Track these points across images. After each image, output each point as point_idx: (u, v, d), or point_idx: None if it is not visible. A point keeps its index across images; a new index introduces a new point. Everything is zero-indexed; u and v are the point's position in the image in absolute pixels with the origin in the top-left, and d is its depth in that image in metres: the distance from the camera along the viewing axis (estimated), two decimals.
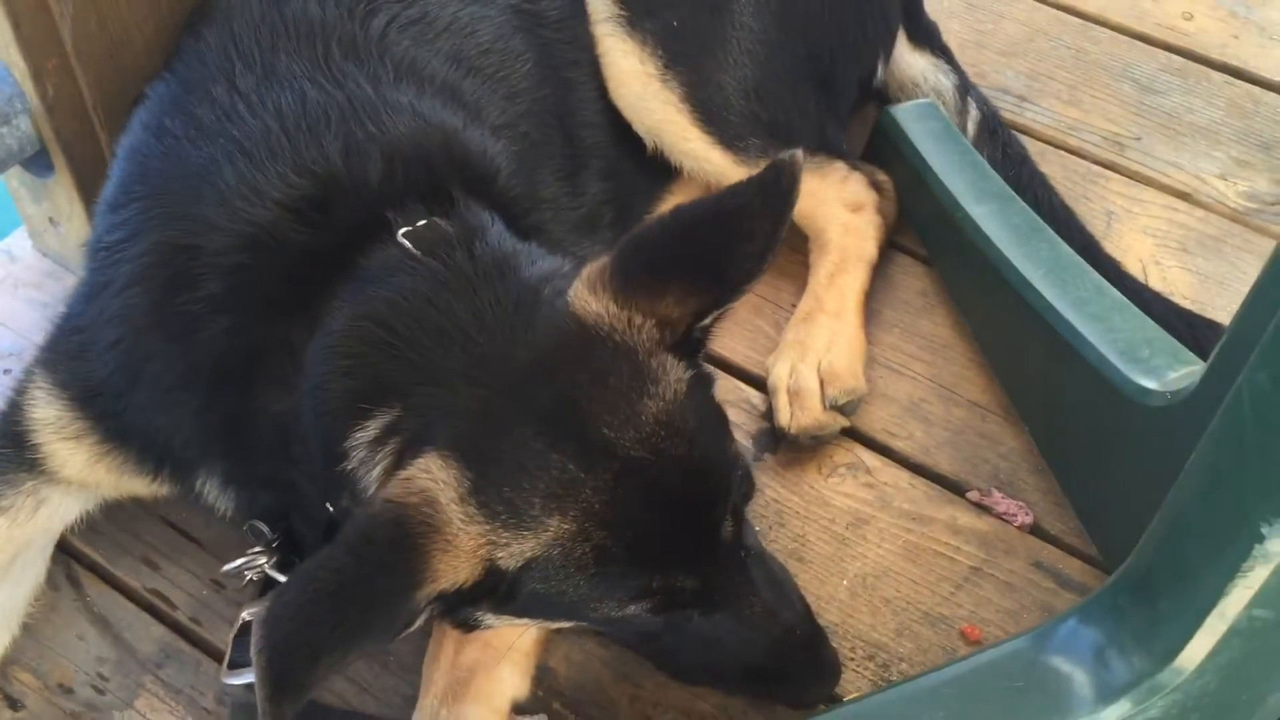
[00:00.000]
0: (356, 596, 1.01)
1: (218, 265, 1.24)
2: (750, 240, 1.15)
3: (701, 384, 1.19)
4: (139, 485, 1.41)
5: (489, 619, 1.17)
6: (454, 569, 1.06)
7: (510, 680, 1.35)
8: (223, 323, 1.24)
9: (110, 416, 1.36)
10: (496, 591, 1.12)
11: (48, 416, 1.39)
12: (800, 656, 1.29)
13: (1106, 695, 1.12)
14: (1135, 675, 1.11)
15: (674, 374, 1.15)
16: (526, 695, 1.36)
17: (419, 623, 1.08)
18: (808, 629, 1.30)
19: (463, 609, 1.14)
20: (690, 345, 1.18)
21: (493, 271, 1.19)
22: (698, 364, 1.20)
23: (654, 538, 1.12)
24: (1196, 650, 1.06)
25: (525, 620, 1.20)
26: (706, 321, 1.18)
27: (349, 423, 1.14)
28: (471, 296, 1.17)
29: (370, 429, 1.14)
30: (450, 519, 1.06)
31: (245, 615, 1.40)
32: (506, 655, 1.34)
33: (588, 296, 1.16)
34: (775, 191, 1.16)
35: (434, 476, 1.07)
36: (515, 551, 1.09)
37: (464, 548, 1.06)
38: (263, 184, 1.25)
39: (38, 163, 1.61)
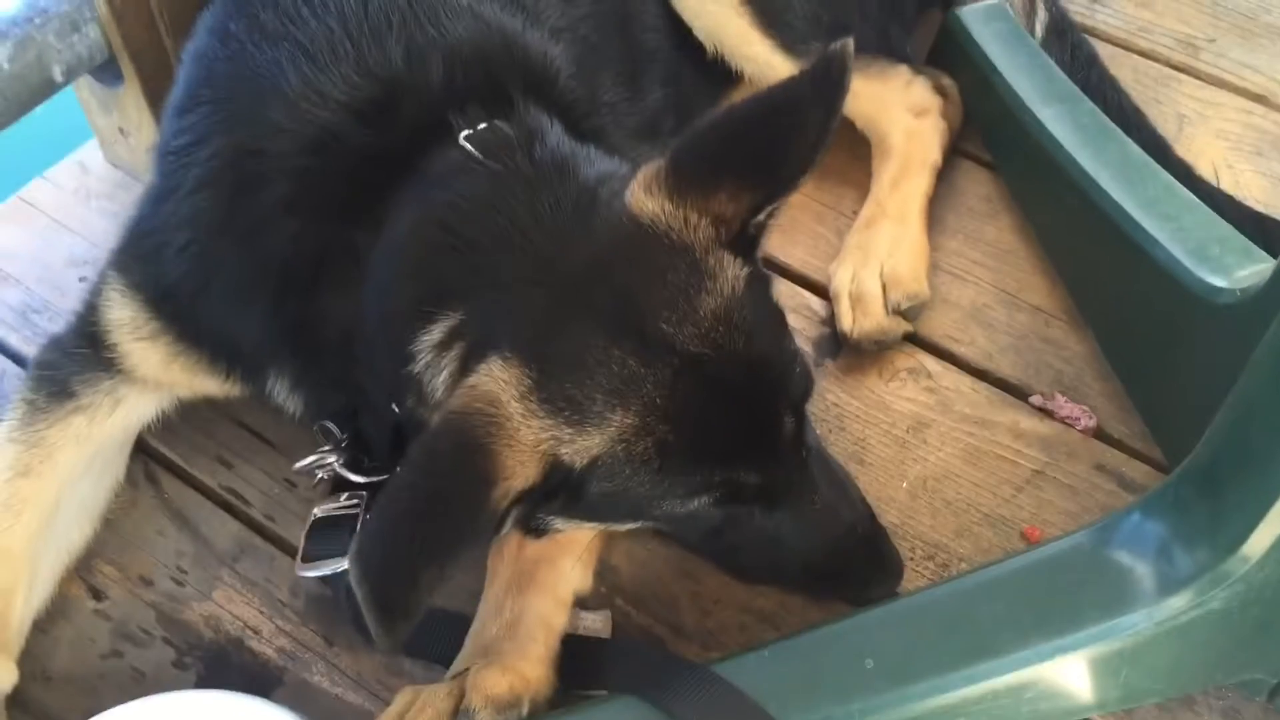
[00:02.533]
0: (436, 508, 1.03)
1: (283, 168, 1.26)
2: (802, 132, 1.14)
3: (759, 282, 1.20)
4: (212, 385, 1.45)
5: (558, 523, 1.20)
6: (522, 465, 1.07)
7: (573, 572, 1.36)
8: (289, 226, 1.26)
9: (183, 318, 1.39)
10: (564, 491, 1.13)
11: (123, 318, 1.42)
12: (862, 554, 1.31)
13: (1168, 587, 1.12)
14: (1198, 567, 1.11)
15: (731, 271, 1.15)
16: (589, 588, 1.39)
17: (506, 528, 1.11)
18: (869, 527, 1.31)
19: (535, 514, 1.16)
20: (746, 242, 1.18)
21: (552, 174, 1.20)
22: (755, 261, 1.20)
23: (715, 432, 1.14)
24: (1261, 540, 1.06)
25: (594, 524, 1.23)
26: (761, 217, 1.18)
27: (413, 326, 1.16)
28: (532, 198, 1.17)
29: (435, 332, 1.16)
30: (512, 415, 1.08)
31: (316, 512, 1.45)
32: (569, 548, 1.36)
33: (644, 196, 1.16)
34: (826, 81, 1.15)
35: (495, 378, 1.09)
36: (579, 448, 1.10)
37: (527, 442, 1.08)
38: (326, 86, 1.26)
39: (107, 72, 1.64)
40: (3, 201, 1.82)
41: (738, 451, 1.16)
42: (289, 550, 1.46)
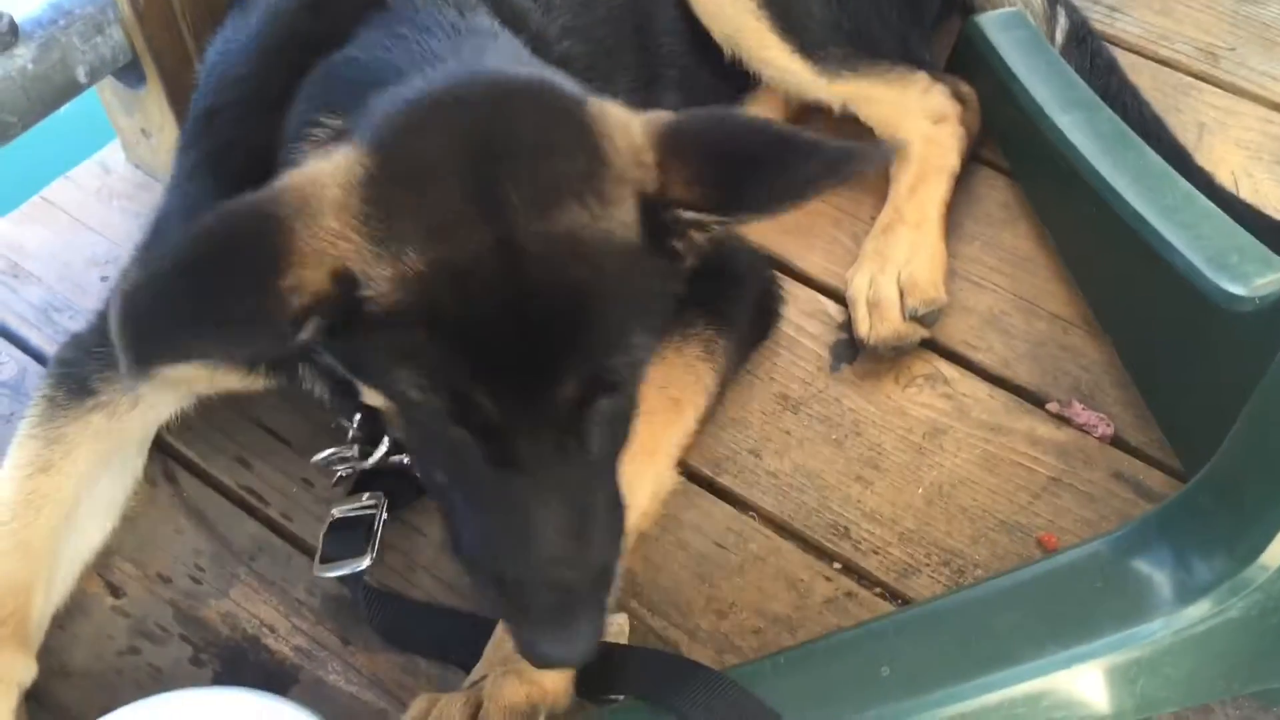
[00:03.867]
0: (219, 268, 0.97)
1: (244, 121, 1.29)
2: (801, 180, 1.05)
3: (641, 262, 1.06)
4: (232, 380, 1.45)
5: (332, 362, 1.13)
6: (317, 260, 0.98)
7: None
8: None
9: None
10: (340, 316, 1.02)
11: None
12: (545, 604, 1.11)
13: (1186, 595, 1.12)
14: (1216, 575, 1.10)
15: (623, 217, 1.03)
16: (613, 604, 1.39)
17: (304, 333, 1.00)
18: (577, 585, 1.12)
19: (327, 343, 1.06)
20: (663, 225, 1.07)
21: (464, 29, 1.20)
22: (663, 251, 1.09)
23: (492, 335, 1.02)
24: (1277, 552, 1.06)
25: (351, 374, 1.13)
26: (690, 217, 1.06)
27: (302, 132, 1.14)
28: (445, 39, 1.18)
29: (317, 133, 1.13)
30: (325, 201, 1.00)
31: (334, 513, 1.46)
32: None
33: (617, 114, 1.07)
34: (837, 167, 1.06)
35: (333, 160, 1.02)
36: (374, 274, 1.00)
37: (329, 233, 0.99)
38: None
39: (129, 74, 1.65)
40: (25, 201, 1.83)
41: (497, 377, 1.03)
42: (306, 550, 1.47)
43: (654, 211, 1.05)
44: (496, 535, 1.12)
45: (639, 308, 1.08)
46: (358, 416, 1.41)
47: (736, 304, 1.56)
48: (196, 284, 0.96)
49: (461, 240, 0.99)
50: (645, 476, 1.42)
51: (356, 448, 1.42)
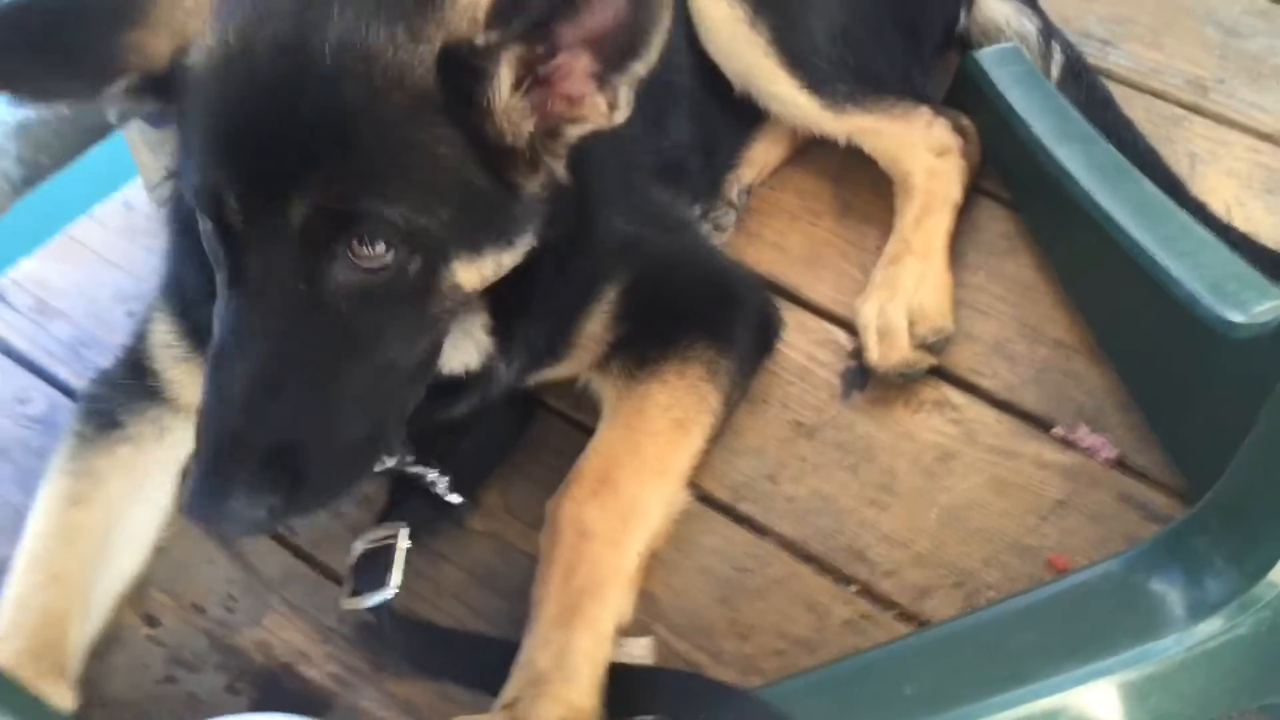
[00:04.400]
0: (81, 10, 1.10)
1: None
2: None
3: (448, 140, 1.09)
4: None
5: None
6: (167, 30, 1.10)
7: (616, 604, 1.39)
8: None
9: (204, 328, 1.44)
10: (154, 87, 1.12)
11: (164, 339, 1.49)
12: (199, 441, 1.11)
13: (1199, 612, 1.17)
14: (1227, 592, 1.15)
15: (428, 59, 1.07)
16: (630, 618, 1.42)
17: (113, 90, 1.09)
18: (227, 423, 1.09)
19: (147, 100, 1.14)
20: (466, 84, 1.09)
21: None
22: (470, 125, 1.10)
23: (252, 128, 1.06)
24: None
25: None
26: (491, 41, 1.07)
27: None
28: None
29: None
30: None
31: (359, 545, 1.49)
32: (612, 579, 1.39)
33: None
34: None
35: None
36: (200, 45, 1.09)
37: (185, 9, 1.10)
38: None
39: (156, 115, 1.69)
40: (50, 239, 1.87)
41: (247, 164, 1.06)
42: (336, 578, 1.50)
43: (457, 58, 1.07)
44: (210, 365, 1.12)
45: (412, 164, 1.09)
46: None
47: (735, 326, 1.61)
48: (53, 18, 1.07)
49: (273, 27, 1.06)
50: (657, 497, 1.46)
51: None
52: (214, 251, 1.14)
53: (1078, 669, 1.20)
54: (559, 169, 1.22)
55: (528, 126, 1.15)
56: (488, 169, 1.15)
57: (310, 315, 1.09)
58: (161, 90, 1.12)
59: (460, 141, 1.11)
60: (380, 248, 1.10)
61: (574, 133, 1.19)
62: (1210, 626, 1.16)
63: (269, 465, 1.09)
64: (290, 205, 1.06)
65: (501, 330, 1.38)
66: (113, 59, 1.09)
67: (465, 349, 1.38)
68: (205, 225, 1.13)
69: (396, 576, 1.42)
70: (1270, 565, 1.11)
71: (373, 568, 1.45)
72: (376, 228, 1.09)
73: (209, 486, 1.09)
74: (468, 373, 1.41)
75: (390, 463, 1.44)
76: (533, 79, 1.13)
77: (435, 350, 1.25)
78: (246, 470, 1.08)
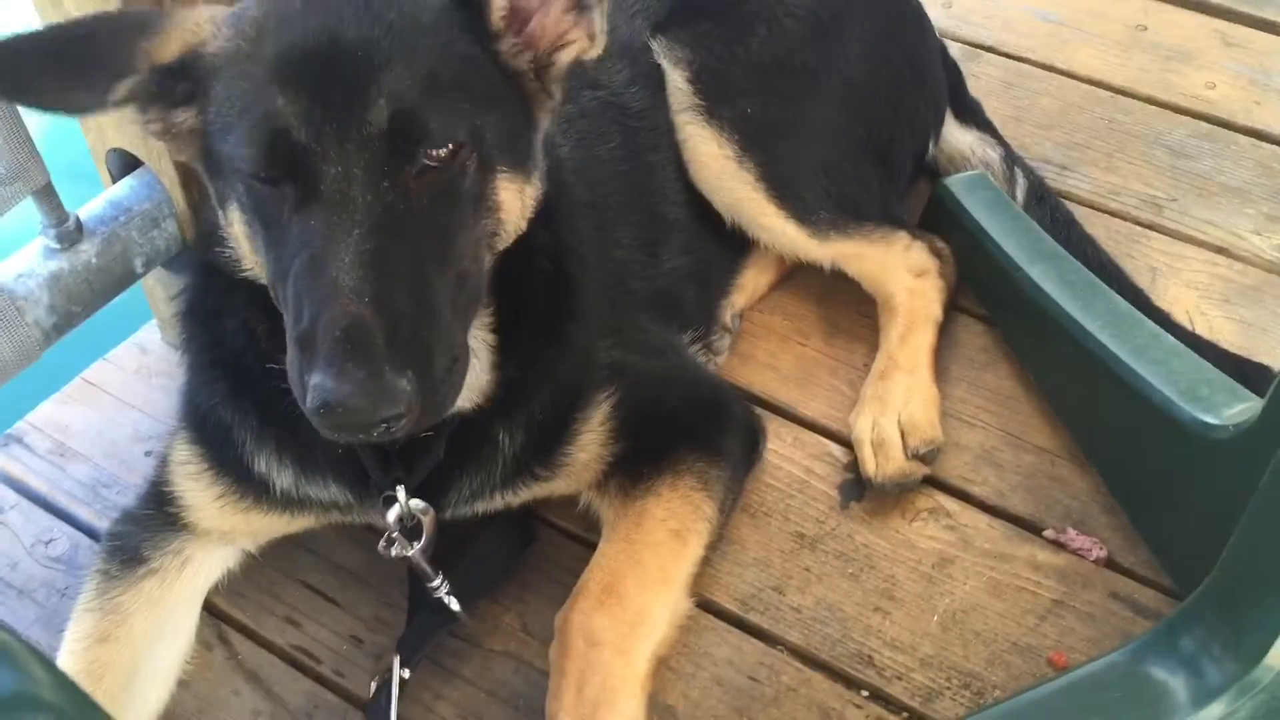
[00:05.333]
0: (100, 24, 1.27)
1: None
2: None
3: (469, 53, 1.26)
4: (270, 522, 1.56)
5: (181, 116, 1.27)
6: (178, 37, 1.24)
7: (631, 711, 1.43)
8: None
9: (218, 446, 1.51)
10: (182, 88, 1.24)
11: (180, 456, 1.55)
12: (315, 340, 1.13)
13: (1201, 698, 1.23)
14: (1226, 678, 1.22)
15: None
16: None
17: (122, 87, 1.21)
18: (346, 307, 1.12)
19: (160, 103, 1.25)
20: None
21: None
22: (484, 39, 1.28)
23: (304, 60, 1.18)
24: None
25: (205, 172, 1.30)
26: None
27: None
28: None
29: None
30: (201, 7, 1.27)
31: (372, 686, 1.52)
32: (624, 687, 1.43)
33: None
34: None
35: None
36: (215, 37, 1.24)
37: (195, 21, 1.26)
38: None
39: (176, 262, 1.77)
40: (67, 383, 1.92)
41: (309, 88, 1.17)
42: (358, 703, 1.54)
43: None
44: (303, 284, 1.15)
45: (460, 70, 1.24)
46: (401, 490, 1.47)
47: (723, 436, 1.68)
48: (71, 38, 1.23)
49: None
50: (661, 604, 1.51)
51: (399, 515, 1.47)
52: (278, 212, 1.20)
53: None
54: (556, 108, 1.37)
55: (526, 57, 1.31)
56: (510, 87, 1.30)
57: (396, 211, 1.17)
58: (170, 84, 1.24)
59: (484, 57, 1.28)
60: (449, 147, 1.21)
61: (564, 59, 1.33)
62: (1213, 712, 1.22)
63: (396, 340, 1.12)
64: (370, 114, 1.16)
65: (502, 356, 1.44)
66: (123, 64, 1.21)
67: (473, 368, 1.39)
68: (268, 193, 1.20)
69: (394, 712, 1.45)
70: (1265, 650, 1.18)
71: (382, 702, 1.47)
72: (447, 123, 1.21)
73: (345, 367, 1.09)
74: (475, 429, 1.47)
75: (410, 552, 1.48)
76: (520, 22, 1.30)
77: (484, 261, 1.31)
78: (379, 344, 1.11)
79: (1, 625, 0.47)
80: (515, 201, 1.31)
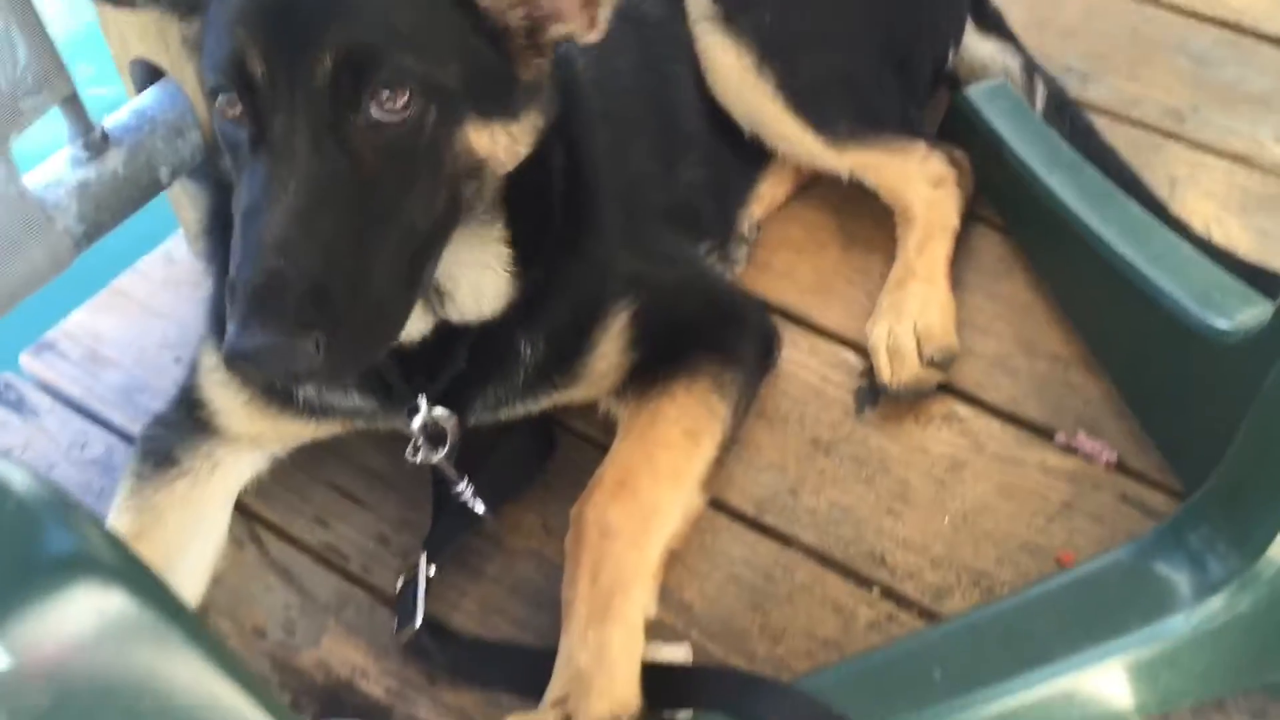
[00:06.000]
0: None
1: None
2: None
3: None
4: (297, 428, 1.60)
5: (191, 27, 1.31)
6: None
7: (642, 599, 1.46)
8: None
9: None
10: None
11: (209, 365, 1.59)
12: (236, 290, 1.14)
13: (1203, 592, 1.27)
14: (1229, 572, 1.25)
15: None
16: (654, 612, 1.50)
17: None
18: (266, 263, 1.13)
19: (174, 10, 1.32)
20: None
21: None
22: None
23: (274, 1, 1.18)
24: None
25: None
26: None
27: None
28: None
29: None
30: None
31: (399, 583, 1.57)
32: (636, 576, 1.47)
33: None
34: None
35: None
36: None
37: None
38: None
39: (200, 172, 1.79)
40: (97, 293, 1.96)
41: (267, 30, 1.17)
42: (387, 600, 1.59)
43: None
44: (240, 229, 1.16)
45: (420, 20, 1.22)
46: (423, 398, 1.50)
47: (738, 342, 1.71)
48: None
49: None
50: (673, 500, 1.55)
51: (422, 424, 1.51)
52: (232, 135, 1.23)
53: (1092, 649, 1.30)
54: (546, 66, 1.35)
55: (519, 14, 1.30)
56: (488, 42, 1.28)
57: (337, 165, 1.16)
58: None
59: (459, 9, 1.26)
60: (401, 99, 1.20)
61: (557, 31, 1.32)
62: (1214, 605, 1.26)
63: (309, 302, 1.13)
64: (317, 57, 1.15)
65: (520, 266, 1.45)
66: None
67: (488, 281, 1.45)
68: (226, 105, 1.21)
69: (421, 607, 1.51)
70: (1267, 544, 1.21)
71: (409, 596, 1.53)
72: (396, 75, 1.19)
73: (253, 324, 1.11)
74: (497, 338, 1.49)
75: (435, 458, 1.53)
76: None
77: (455, 211, 1.31)
78: (288, 306, 1.12)
79: (56, 487, 0.49)
80: (494, 145, 1.31)
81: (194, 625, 0.59)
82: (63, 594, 0.49)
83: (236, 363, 1.14)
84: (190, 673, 0.58)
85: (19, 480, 0.50)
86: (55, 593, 0.49)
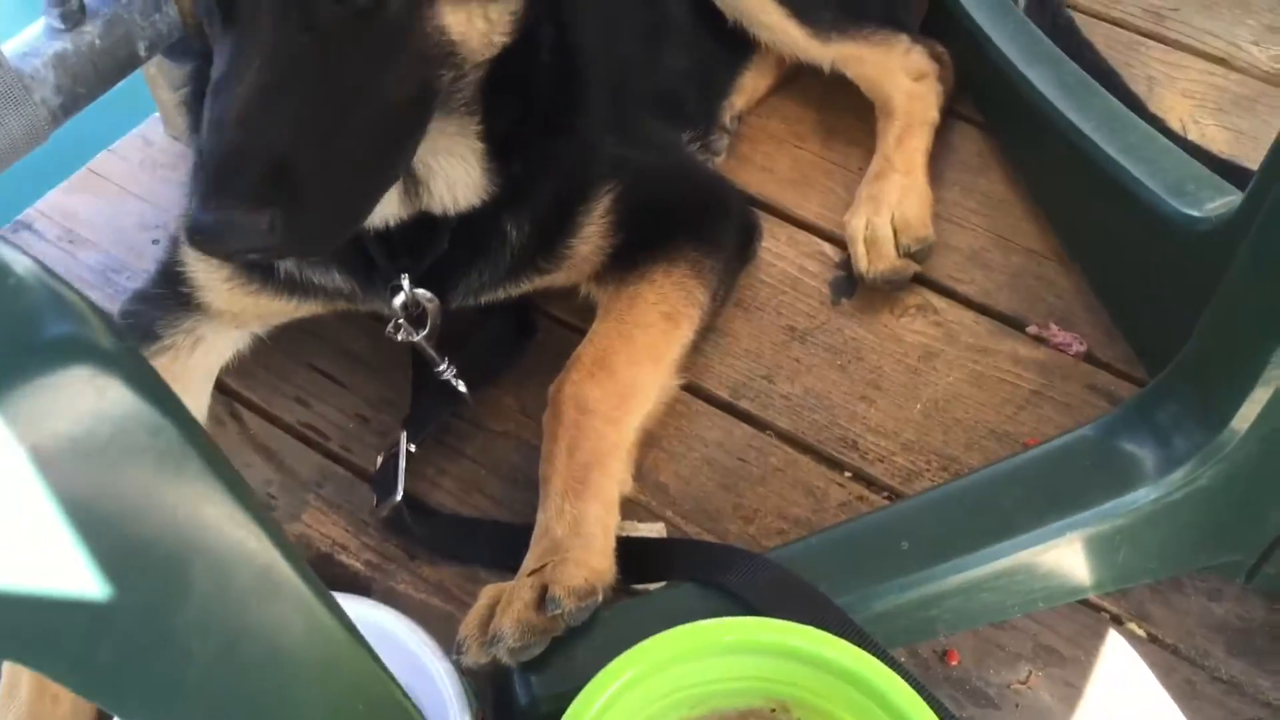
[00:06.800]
0: None
1: None
2: None
3: None
4: (278, 306, 1.60)
5: None
6: None
7: (618, 474, 1.48)
8: None
9: None
10: None
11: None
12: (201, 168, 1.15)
13: (1166, 466, 1.30)
14: (1192, 445, 1.28)
15: None
16: (630, 488, 1.52)
17: None
18: (230, 137, 1.13)
19: None
20: None
21: None
22: None
23: None
24: (1244, 416, 1.23)
25: None
26: None
27: None
28: None
29: None
30: None
31: (379, 459, 1.59)
32: (613, 452, 1.48)
33: None
34: None
35: None
36: None
37: None
38: None
39: (176, 50, 1.77)
40: (72, 173, 1.95)
41: None
42: (366, 476, 1.61)
43: None
44: (208, 104, 1.16)
45: None
46: (405, 278, 1.51)
47: (719, 229, 1.72)
48: None
49: None
50: (649, 379, 1.57)
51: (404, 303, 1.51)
52: (207, 9, 1.22)
53: (1056, 522, 1.33)
54: None
55: None
56: None
57: (301, 41, 1.15)
58: None
59: None
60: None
61: None
62: (1175, 478, 1.29)
63: (268, 179, 1.13)
64: None
65: (499, 162, 1.45)
66: None
67: (464, 175, 1.45)
68: None
69: (401, 481, 1.53)
70: (1230, 415, 1.24)
71: (389, 472, 1.56)
72: None
73: (211, 199, 1.12)
74: (481, 222, 1.50)
75: (416, 337, 1.54)
76: None
77: (428, 96, 1.30)
78: (246, 182, 1.12)
79: (57, 277, 0.48)
80: (471, 27, 1.29)
81: (191, 426, 0.60)
82: (61, 374, 0.50)
83: (195, 238, 1.15)
84: (185, 472, 0.59)
85: (20, 263, 0.51)
86: (53, 372, 0.49)
